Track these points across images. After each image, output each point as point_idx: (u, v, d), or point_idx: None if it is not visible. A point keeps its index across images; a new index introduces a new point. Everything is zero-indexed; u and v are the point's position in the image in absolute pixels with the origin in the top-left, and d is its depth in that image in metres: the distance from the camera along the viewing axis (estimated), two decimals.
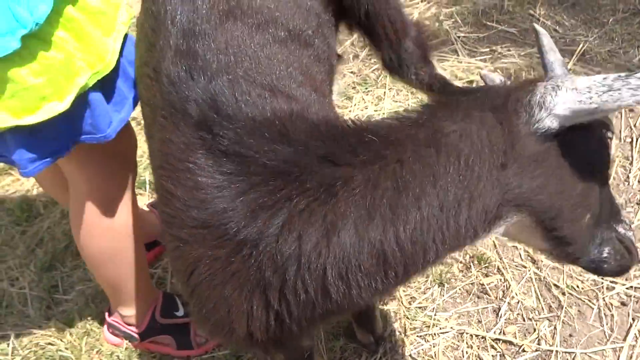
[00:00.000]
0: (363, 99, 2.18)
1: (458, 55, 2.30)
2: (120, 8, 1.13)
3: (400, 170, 0.79)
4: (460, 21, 2.45)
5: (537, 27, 1.04)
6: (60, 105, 1.03)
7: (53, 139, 1.10)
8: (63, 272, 1.75)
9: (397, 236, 0.78)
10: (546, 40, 0.98)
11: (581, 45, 2.24)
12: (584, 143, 0.86)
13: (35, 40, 0.97)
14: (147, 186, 1.96)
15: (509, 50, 2.29)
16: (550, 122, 0.82)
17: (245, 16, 1.01)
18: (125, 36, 1.15)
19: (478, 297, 1.60)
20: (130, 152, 1.39)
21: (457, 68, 2.23)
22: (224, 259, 0.81)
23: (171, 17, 0.98)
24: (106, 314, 1.56)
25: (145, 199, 1.93)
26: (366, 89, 2.21)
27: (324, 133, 0.84)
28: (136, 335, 1.54)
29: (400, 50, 1.42)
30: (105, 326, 1.58)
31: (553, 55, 0.94)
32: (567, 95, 0.81)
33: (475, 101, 0.86)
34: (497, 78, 1.12)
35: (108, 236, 1.35)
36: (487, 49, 2.31)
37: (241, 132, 0.83)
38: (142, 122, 1.23)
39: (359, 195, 0.78)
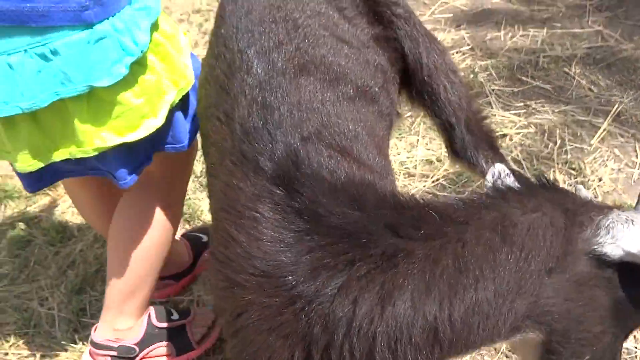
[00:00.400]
0: (396, 144, 2.20)
1: (492, 108, 2.32)
2: (180, 32, 1.30)
3: (462, 250, 0.81)
4: (495, 74, 2.49)
5: (578, 186, 1.03)
6: (156, 121, 1.16)
7: (144, 151, 1.25)
8: (92, 295, 1.77)
9: (451, 313, 0.79)
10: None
11: (616, 106, 2.26)
12: (628, 286, 0.85)
13: (136, 65, 1.10)
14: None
15: (543, 107, 2.31)
16: (610, 250, 0.81)
17: (318, 72, 1.05)
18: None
19: None
20: (192, 161, 1.55)
21: (491, 121, 2.25)
22: (275, 308, 0.83)
23: (247, 67, 1.01)
24: (92, 334, 1.45)
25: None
26: (400, 134, 2.24)
27: (390, 203, 0.87)
28: (134, 346, 1.45)
29: (460, 129, 1.40)
30: (87, 352, 1.45)
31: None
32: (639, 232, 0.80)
33: (549, 195, 0.87)
34: (584, 192, 1.09)
35: (157, 234, 1.40)
36: (522, 104, 2.34)
37: (317, 192, 0.86)
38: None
39: (419, 269, 0.79)
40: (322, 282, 0.80)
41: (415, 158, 2.14)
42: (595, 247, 0.81)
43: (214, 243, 0.97)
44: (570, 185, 2.00)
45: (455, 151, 1.43)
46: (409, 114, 2.32)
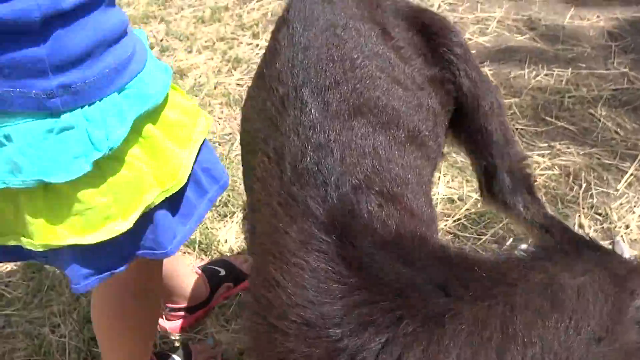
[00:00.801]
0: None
1: None
2: (200, 116, 1.10)
3: (510, 315, 0.78)
4: (519, 113, 2.46)
5: (617, 239, 0.99)
6: (124, 224, 0.97)
7: (110, 254, 1.03)
8: None
9: None
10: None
11: None
12: None
13: (108, 160, 0.93)
14: (196, 246, 1.97)
15: (568, 148, 2.27)
16: None
17: (371, 114, 1.02)
18: (203, 142, 1.11)
19: None
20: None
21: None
22: (317, 358, 0.80)
23: (301, 105, 0.97)
24: None
25: (191, 259, 1.94)
26: None
27: (440, 260, 0.84)
28: None
29: (501, 174, 1.37)
30: None
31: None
32: None
33: (597, 259, 0.84)
34: (626, 249, 1.05)
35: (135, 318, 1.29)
36: (546, 144, 2.30)
37: (369, 245, 0.83)
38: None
39: (466, 332, 0.76)
40: (368, 337, 0.77)
41: (437, 196, 2.10)
42: None
43: (255, 284, 0.93)
44: (604, 234, 1.95)
45: (492, 193, 1.39)
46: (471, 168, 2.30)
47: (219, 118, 2.60)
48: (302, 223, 0.86)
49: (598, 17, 3.11)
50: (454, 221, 2.01)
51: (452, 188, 2.14)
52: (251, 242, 1.06)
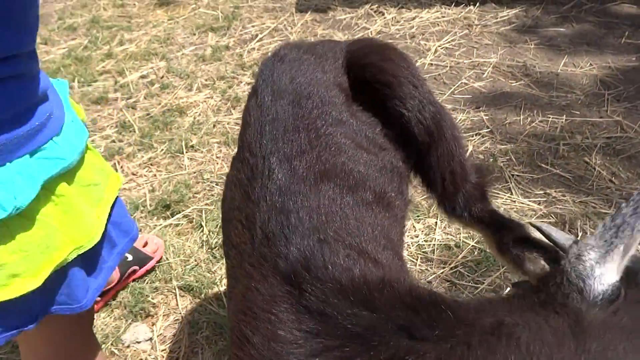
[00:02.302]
0: (414, 226, 2.18)
1: (512, 194, 2.31)
2: (112, 176, 1.12)
3: (467, 353, 0.80)
4: (514, 159, 2.49)
5: (534, 223, 1.10)
6: (33, 282, 0.93)
7: (20, 312, 0.99)
8: None
9: None
10: (544, 229, 1.04)
11: None
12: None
13: (17, 217, 0.90)
14: (193, 289, 1.95)
15: (564, 196, 2.29)
16: (598, 286, 0.85)
17: (338, 178, 1.06)
18: (115, 200, 1.13)
19: None
20: (91, 321, 1.29)
21: (511, 207, 2.23)
22: None
23: (268, 172, 1.03)
24: None
25: (186, 300, 1.92)
26: (417, 216, 2.22)
27: (406, 303, 0.85)
28: None
29: (458, 197, 1.44)
30: None
31: (558, 233, 1.00)
32: (591, 254, 0.85)
33: (526, 300, 0.89)
34: (555, 232, 1.09)
35: None
36: (542, 192, 2.32)
37: (327, 292, 0.86)
38: None
39: None
40: None
41: (433, 242, 2.10)
42: (591, 296, 0.83)
43: (231, 344, 0.96)
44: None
45: (449, 213, 1.45)
46: (426, 195, 2.32)
47: (217, 157, 2.61)
48: (272, 279, 0.90)
49: (591, 65, 3.19)
50: (451, 268, 2.01)
51: (449, 234, 2.14)
52: (228, 307, 1.08)
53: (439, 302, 0.87)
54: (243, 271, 0.97)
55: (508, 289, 1.90)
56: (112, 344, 1.76)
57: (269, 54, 1.37)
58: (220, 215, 1.29)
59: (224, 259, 1.24)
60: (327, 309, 0.84)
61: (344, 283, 0.88)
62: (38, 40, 3.65)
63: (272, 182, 1.02)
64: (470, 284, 1.93)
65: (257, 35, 3.59)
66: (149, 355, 1.74)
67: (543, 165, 2.46)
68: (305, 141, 1.08)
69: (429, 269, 2.02)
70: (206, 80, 3.19)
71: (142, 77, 3.26)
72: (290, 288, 0.88)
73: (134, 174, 2.53)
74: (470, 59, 3.30)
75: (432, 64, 3.27)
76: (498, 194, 2.31)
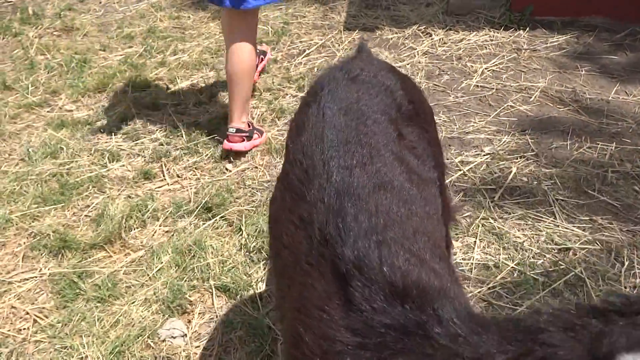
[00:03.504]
0: (452, 244, 2.15)
1: (555, 218, 2.26)
2: None
3: None
4: (560, 184, 2.44)
5: None
6: None
7: None
8: None
9: None
10: None
11: None
12: None
13: None
14: (229, 290, 1.98)
15: (611, 224, 2.22)
16: None
17: (394, 191, 1.10)
18: None
19: None
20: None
21: (554, 232, 2.18)
22: None
23: (328, 175, 1.06)
24: (230, 127, 2.64)
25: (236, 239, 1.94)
26: (456, 234, 2.19)
27: (462, 319, 0.84)
28: (247, 131, 2.68)
29: None
30: (225, 141, 2.64)
31: None
32: None
33: None
34: None
35: (250, 61, 2.59)
36: (587, 218, 2.26)
37: (376, 292, 0.87)
38: None
39: None
40: None
41: (472, 261, 2.07)
42: None
43: (285, 341, 0.99)
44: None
45: None
46: (467, 213, 2.30)
47: (259, 165, 2.67)
48: (327, 277, 0.93)
49: None
50: (489, 288, 1.97)
51: (488, 254, 2.11)
52: (278, 306, 1.11)
53: (504, 323, 0.84)
54: (300, 270, 1.00)
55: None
56: (148, 337, 1.81)
57: (331, 66, 1.43)
58: (268, 216, 1.32)
59: (271, 259, 1.27)
60: (372, 309, 0.85)
61: (397, 285, 0.89)
62: (97, 46, 3.84)
63: (330, 185, 1.04)
64: (508, 305, 1.89)
65: (304, 51, 3.67)
66: (183, 350, 1.78)
67: (590, 191, 2.39)
68: (367, 155, 1.13)
69: (466, 287, 1.98)
70: (253, 91, 3.27)
71: (192, 85, 3.37)
72: (342, 286, 0.90)
73: (179, 177, 2.61)
74: (518, 82, 3.27)
75: (477, 86, 3.26)
76: (541, 217, 2.26)
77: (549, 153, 2.66)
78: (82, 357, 1.76)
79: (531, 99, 3.11)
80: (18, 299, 1.99)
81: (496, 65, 3.44)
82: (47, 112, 3.17)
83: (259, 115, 3.05)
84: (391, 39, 3.79)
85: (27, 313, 1.93)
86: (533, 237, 2.17)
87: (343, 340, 0.85)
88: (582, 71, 3.34)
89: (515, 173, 2.52)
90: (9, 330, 1.87)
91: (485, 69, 3.40)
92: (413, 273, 0.92)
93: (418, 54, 3.59)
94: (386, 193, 1.07)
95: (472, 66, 3.43)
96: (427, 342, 0.80)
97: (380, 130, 1.21)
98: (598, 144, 2.70)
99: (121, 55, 3.74)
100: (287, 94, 3.24)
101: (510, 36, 3.73)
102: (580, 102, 3.07)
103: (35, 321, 1.90)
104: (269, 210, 1.31)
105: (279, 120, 3.00)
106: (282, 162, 1.29)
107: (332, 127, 1.16)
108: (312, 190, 1.06)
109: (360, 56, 1.49)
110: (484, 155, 2.66)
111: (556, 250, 2.10)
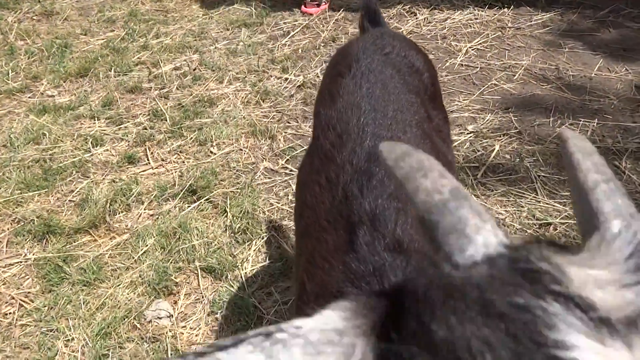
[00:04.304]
0: None
1: (537, 194, 2.28)
2: None
3: None
4: (542, 161, 2.46)
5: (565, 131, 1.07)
6: None
7: None
8: (116, 341, 1.76)
9: None
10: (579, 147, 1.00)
11: None
12: None
13: None
14: (214, 271, 1.99)
15: None
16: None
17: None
18: None
19: None
20: None
21: (535, 207, 2.21)
22: None
23: (361, 140, 1.11)
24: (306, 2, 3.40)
25: (208, 283, 1.96)
26: None
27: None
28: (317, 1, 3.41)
29: None
30: (302, 6, 3.62)
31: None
32: None
33: None
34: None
35: None
36: (568, 193, 2.28)
37: (382, 247, 0.91)
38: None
39: None
40: None
41: None
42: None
43: (294, 294, 1.03)
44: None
45: None
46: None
47: (244, 147, 2.66)
48: (341, 232, 0.98)
49: (626, 70, 3.12)
50: None
51: None
52: (296, 264, 1.15)
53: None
54: (318, 226, 1.04)
55: None
56: (134, 318, 1.82)
57: (362, 37, 1.46)
58: (296, 182, 1.37)
59: (295, 222, 1.31)
60: (375, 259, 0.90)
61: (402, 245, 0.92)
62: (78, 30, 3.78)
63: (362, 149, 1.09)
64: None
65: (288, 32, 3.64)
66: (169, 330, 1.79)
67: None
68: (401, 130, 1.17)
69: None
70: (237, 73, 3.25)
71: (176, 68, 3.34)
72: (352, 238, 0.94)
73: (163, 160, 2.60)
74: (502, 60, 3.28)
75: (462, 65, 3.26)
76: (523, 194, 2.29)
77: (531, 130, 2.68)
78: (68, 339, 1.78)
79: (515, 77, 3.12)
80: (3, 284, 1.99)
81: (480, 44, 3.44)
82: (29, 97, 3.14)
83: (243, 97, 3.04)
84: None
85: (13, 298, 1.93)
86: (515, 214, 2.20)
87: (335, 284, 0.89)
88: (565, 48, 3.35)
89: (498, 151, 2.54)
90: None
91: (470, 47, 3.40)
92: (421, 243, 0.95)
93: (403, 34, 3.58)
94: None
95: (456, 45, 3.43)
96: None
97: (414, 110, 1.27)
98: (580, 121, 2.72)
99: (103, 39, 3.69)
100: (271, 76, 3.22)
101: (495, 14, 3.73)
102: (563, 79, 3.09)
103: (21, 305, 1.90)
104: (297, 176, 1.36)
105: (263, 102, 2.99)
106: (312, 129, 1.34)
107: (368, 98, 1.21)
108: (344, 153, 1.10)
109: (387, 30, 1.54)
110: (468, 133, 2.68)
111: (537, 226, 2.13)
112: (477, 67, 3.22)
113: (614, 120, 2.73)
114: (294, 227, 1.36)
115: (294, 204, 1.38)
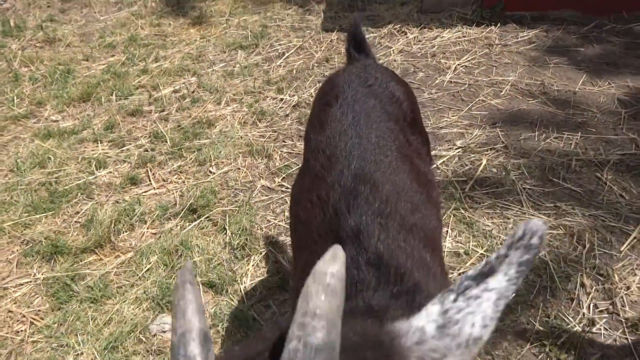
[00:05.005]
0: None
1: (522, 206, 2.39)
2: None
3: None
4: (527, 173, 2.57)
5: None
6: None
7: None
8: (123, 354, 1.86)
9: None
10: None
11: None
12: None
13: None
14: (214, 286, 2.09)
15: (574, 209, 2.36)
16: None
17: (404, 186, 1.27)
18: None
19: None
20: None
21: (521, 219, 2.31)
22: None
23: (349, 162, 1.24)
24: None
25: (208, 298, 2.06)
26: None
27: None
28: None
29: None
30: None
31: None
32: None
33: None
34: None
35: None
36: (552, 204, 2.39)
37: (362, 257, 1.03)
38: None
39: None
40: None
41: (444, 250, 2.19)
42: None
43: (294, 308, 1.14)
44: (605, 294, 2.00)
45: None
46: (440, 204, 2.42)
47: (242, 166, 2.78)
48: (330, 245, 1.06)
49: (609, 84, 3.25)
50: (459, 274, 2.09)
51: (459, 242, 2.24)
52: (293, 275, 1.25)
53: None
54: (310, 240, 1.16)
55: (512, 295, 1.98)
56: (140, 332, 1.91)
57: (345, 70, 1.60)
58: (290, 199, 1.49)
59: (291, 236, 1.43)
60: (356, 273, 1.00)
61: (381, 260, 1.02)
62: (80, 56, 3.92)
63: (349, 171, 1.22)
64: None
65: (283, 54, 3.78)
66: None
67: (555, 179, 2.53)
68: (382, 154, 1.30)
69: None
70: (234, 94, 3.38)
71: (175, 91, 3.47)
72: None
73: (164, 180, 2.71)
74: (489, 77, 3.40)
75: (451, 82, 3.39)
76: (509, 205, 2.39)
77: (517, 144, 2.79)
78: (77, 354, 1.87)
79: (502, 93, 3.24)
80: (14, 303, 2.08)
81: (469, 60, 3.57)
82: (34, 123, 3.26)
83: (240, 117, 3.16)
84: (368, 38, 3.90)
85: (24, 316, 2.03)
86: (501, 225, 2.30)
87: None
88: (550, 64, 3.48)
89: (485, 165, 2.65)
90: (7, 333, 1.97)
91: (459, 65, 3.53)
92: (400, 259, 1.05)
93: (394, 53, 3.71)
94: (396, 187, 1.23)
95: (445, 62, 3.56)
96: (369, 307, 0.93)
97: (394, 136, 1.40)
98: (564, 134, 2.84)
99: (104, 64, 3.82)
100: (267, 97, 3.34)
101: (482, 32, 3.87)
102: (549, 94, 3.21)
103: (31, 323, 1.99)
104: (290, 194, 1.48)
105: (259, 122, 3.11)
106: (303, 152, 1.48)
107: (354, 126, 1.35)
108: (333, 173, 1.23)
109: (370, 63, 1.67)
110: (456, 148, 2.79)
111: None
112: (466, 84, 3.34)
113: (597, 133, 2.84)
114: (290, 242, 1.47)
115: (289, 220, 1.49)
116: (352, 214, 1.11)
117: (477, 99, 3.19)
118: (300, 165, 2.52)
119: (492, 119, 3.01)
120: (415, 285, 1.04)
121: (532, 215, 2.34)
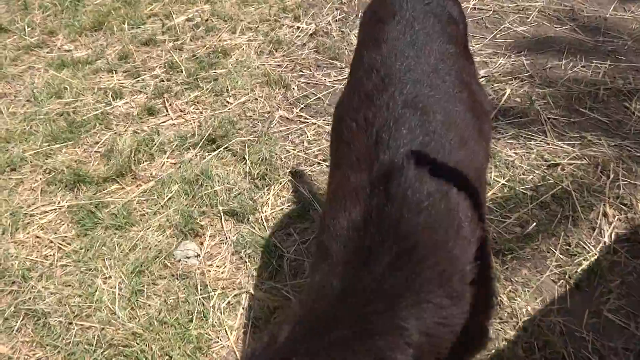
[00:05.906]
0: None
1: (546, 136, 2.34)
2: None
3: None
4: (552, 103, 2.50)
5: None
6: None
7: None
8: (150, 278, 1.91)
9: None
10: None
11: None
12: None
13: None
14: (235, 214, 2.11)
15: (599, 139, 2.30)
16: None
17: (457, 117, 1.20)
18: None
19: None
20: None
21: (544, 149, 2.27)
22: None
23: (401, 86, 1.18)
24: None
25: (230, 224, 2.08)
26: None
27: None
28: None
29: None
30: None
31: None
32: None
33: None
34: None
35: None
36: (577, 135, 2.34)
37: (385, 205, 1.01)
38: None
39: None
40: None
41: None
42: None
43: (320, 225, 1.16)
44: (628, 223, 1.99)
45: None
46: None
47: (259, 97, 2.73)
48: (363, 174, 1.06)
49: None
50: None
51: None
52: (328, 192, 1.27)
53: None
54: (349, 161, 1.13)
55: (533, 224, 1.98)
56: (165, 258, 1.96)
57: None
58: (333, 117, 1.44)
59: (330, 155, 1.39)
60: (372, 216, 0.99)
61: (410, 206, 0.99)
62: None
63: (401, 95, 1.16)
64: (498, 218, 2.02)
65: None
66: (197, 269, 1.93)
67: (581, 109, 2.46)
68: (440, 76, 1.24)
69: None
70: (249, 23, 3.27)
71: (188, 19, 3.37)
72: (367, 187, 1.03)
73: (181, 111, 2.68)
74: (515, 3, 3.24)
75: (475, 8, 3.24)
76: (532, 136, 2.35)
77: (543, 73, 2.69)
78: (106, 277, 1.93)
79: (528, 20, 3.10)
80: (41, 230, 2.13)
81: None
82: (47, 52, 3.20)
83: (256, 46, 3.07)
84: None
85: (51, 241, 2.08)
86: (524, 155, 2.27)
87: (339, 228, 1.01)
88: None
89: (509, 94, 2.57)
90: (36, 257, 2.03)
91: None
92: (425, 202, 1.01)
93: None
94: (448, 117, 1.16)
95: None
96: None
97: (454, 60, 1.32)
98: (592, 62, 2.73)
99: None
100: (283, 25, 3.23)
101: None
102: (578, 20, 3.06)
103: (59, 248, 2.05)
104: (334, 113, 1.43)
105: (276, 51, 3.03)
106: (351, 70, 1.42)
107: (412, 46, 1.28)
108: (383, 96, 1.17)
109: None
110: (480, 78, 2.70)
111: (545, 167, 2.20)
112: (490, 10, 3.20)
113: (627, 61, 2.73)
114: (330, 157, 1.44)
115: (330, 135, 1.46)
116: (391, 147, 1.07)
117: (502, 26, 3.06)
118: (323, 93, 2.47)
119: (518, 47, 2.90)
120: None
121: (556, 145, 2.29)
